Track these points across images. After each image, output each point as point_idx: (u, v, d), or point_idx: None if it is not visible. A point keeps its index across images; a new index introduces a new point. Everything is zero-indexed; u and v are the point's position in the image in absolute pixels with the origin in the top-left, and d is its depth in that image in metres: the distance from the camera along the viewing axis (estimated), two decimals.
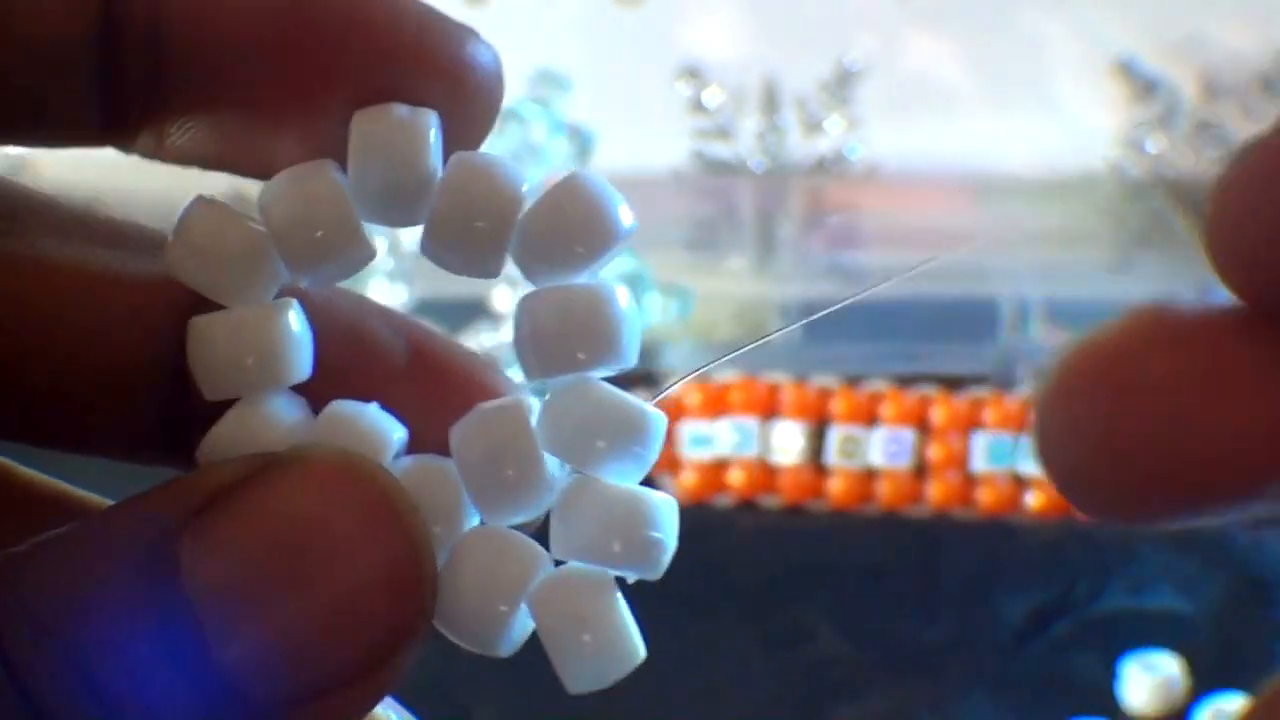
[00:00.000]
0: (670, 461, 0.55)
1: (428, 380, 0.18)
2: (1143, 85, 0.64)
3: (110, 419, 0.18)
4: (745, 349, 0.20)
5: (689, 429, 0.55)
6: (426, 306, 0.56)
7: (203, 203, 0.17)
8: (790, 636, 0.49)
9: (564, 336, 0.17)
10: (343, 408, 0.17)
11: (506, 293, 0.55)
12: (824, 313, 0.20)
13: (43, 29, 0.17)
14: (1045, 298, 0.58)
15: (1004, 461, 0.54)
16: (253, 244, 0.17)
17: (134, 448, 0.18)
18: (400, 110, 0.17)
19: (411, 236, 0.55)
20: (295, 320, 0.17)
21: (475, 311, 0.55)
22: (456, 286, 0.56)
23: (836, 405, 0.55)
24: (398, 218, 0.17)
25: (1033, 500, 0.54)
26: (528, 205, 0.17)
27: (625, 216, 0.17)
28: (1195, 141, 0.64)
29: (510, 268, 0.18)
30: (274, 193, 0.17)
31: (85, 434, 0.18)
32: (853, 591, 0.51)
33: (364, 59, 0.17)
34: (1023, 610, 0.50)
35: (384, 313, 0.19)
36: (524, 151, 0.54)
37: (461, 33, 0.17)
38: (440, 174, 0.17)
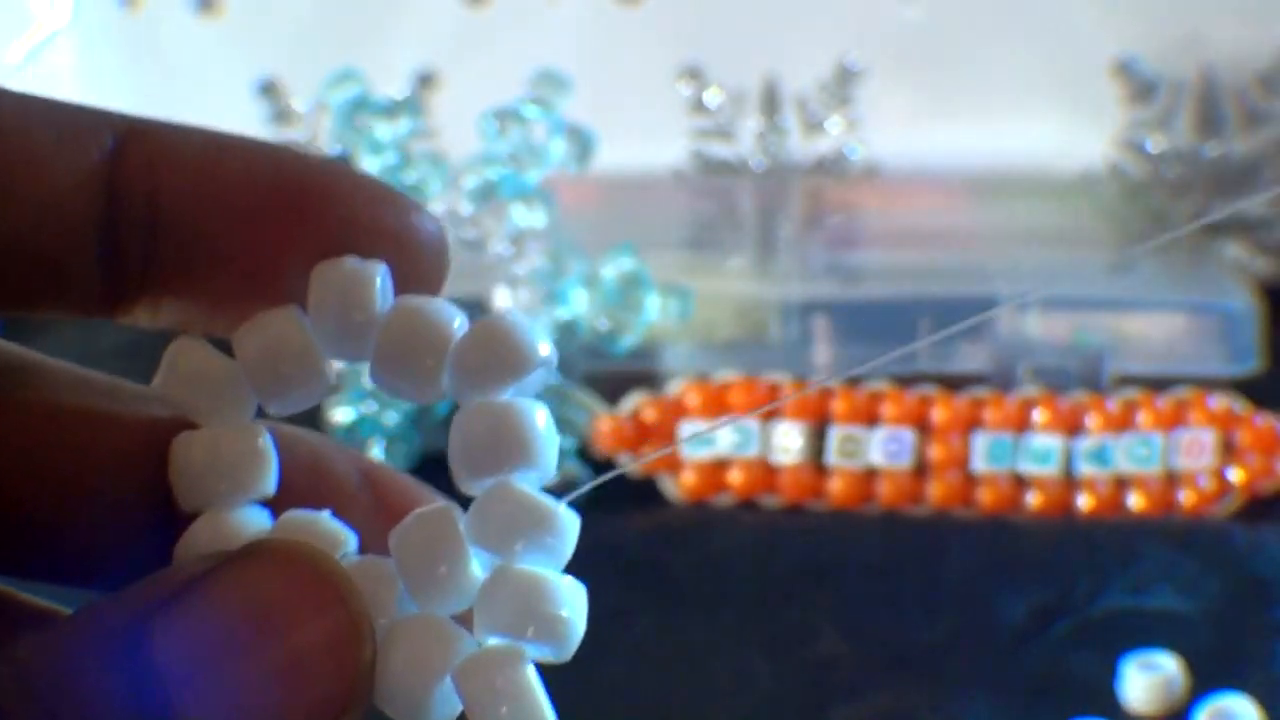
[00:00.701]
0: (671, 461, 0.55)
1: (377, 501, 0.22)
2: (1143, 85, 0.64)
3: (107, 546, 0.21)
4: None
5: (690, 429, 0.55)
6: None
7: (187, 340, 0.20)
8: (790, 636, 0.49)
9: (487, 448, 0.20)
10: (298, 513, 0.20)
11: (507, 293, 0.55)
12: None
13: (56, 200, 0.20)
14: (1045, 297, 0.58)
15: (1004, 461, 0.54)
16: (228, 374, 0.20)
17: (125, 573, 0.20)
18: (352, 262, 0.20)
19: None
20: (263, 442, 0.20)
21: (475, 311, 0.55)
22: (456, 286, 0.56)
23: (836, 405, 0.55)
24: (353, 353, 0.20)
25: (1033, 500, 0.54)
26: (458, 340, 0.20)
27: (543, 349, 0.20)
28: (1195, 141, 0.64)
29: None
30: (247, 333, 0.20)
31: (83, 561, 0.21)
32: (853, 591, 0.51)
33: (328, 227, 0.20)
34: (1023, 610, 0.50)
35: (341, 448, 0.22)
36: (524, 151, 0.54)
37: (408, 205, 0.20)
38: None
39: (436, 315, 0.20)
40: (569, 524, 0.20)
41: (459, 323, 0.20)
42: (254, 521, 0.20)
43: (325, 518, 0.20)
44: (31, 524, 0.21)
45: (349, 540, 0.20)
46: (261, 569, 0.19)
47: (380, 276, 0.20)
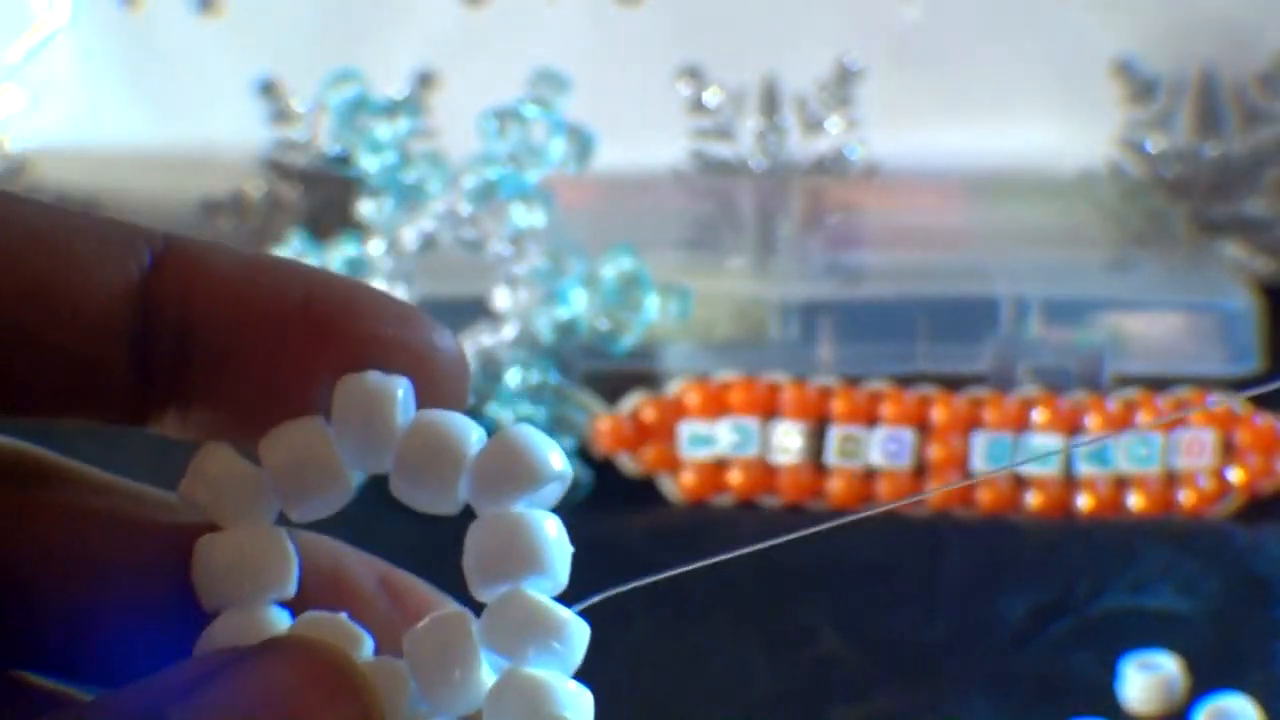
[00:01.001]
0: (670, 461, 0.55)
1: (393, 605, 0.23)
2: (1142, 85, 0.64)
3: (128, 645, 0.22)
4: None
5: (689, 429, 0.55)
6: (426, 306, 0.56)
7: (214, 445, 0.21)
8: (790, 636, 0.49)
9: (501, 557, 0.21)
10: (317, 614, 0.21)
11: (506, 293, 0.55)
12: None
13: (93, 310, 0.21)
14: (1044, 297, 0.58)
15: (1004, 461, 0.54)
16: (252, 480, 0.21)
17: (146, 671, 0.21)
18: (376, 376, 0.21)
19: (411, 236, 0.55)
20: (285, 544, 0.21)
21: (475, 311, 0.56)
22: (456, 286, 0.56)
23: (836, 405, 0.55)
24: (374, 464, 0.21)
25: (1032, 500, 0.54)
26: (475, 453, 0.21)
27: (557, 462, 0.21)
28: (1195, 141, 0.64)
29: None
30: (272, 441, 0.21)
31: (104, 659, 0.22)
32: (853, 591, 0.51)
33: (353, 343, 0.21)
34: (1023, 610, 0.50)
35: (359, 553, 0.23)
36: (524, 151, 0.54)
37: (430, 324, 0.22)
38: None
39: (455, 430, 0.21)
40: (579, 632, 0.21)
41: (477, 437, 0.21)
42: (274, 620, 0.21)
43: (343, 618, 0.21)
44: (55, 623, 0.21)
45: (365, 641, 0.21)
46: (280, 662, 0.20)
47: (402, 390, 0.21)
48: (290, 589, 0.21)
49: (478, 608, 0.21)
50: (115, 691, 0.20)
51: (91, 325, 0.21)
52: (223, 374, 0.21)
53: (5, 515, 0.22)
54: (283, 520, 0.22)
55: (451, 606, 0.22)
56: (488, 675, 0.21)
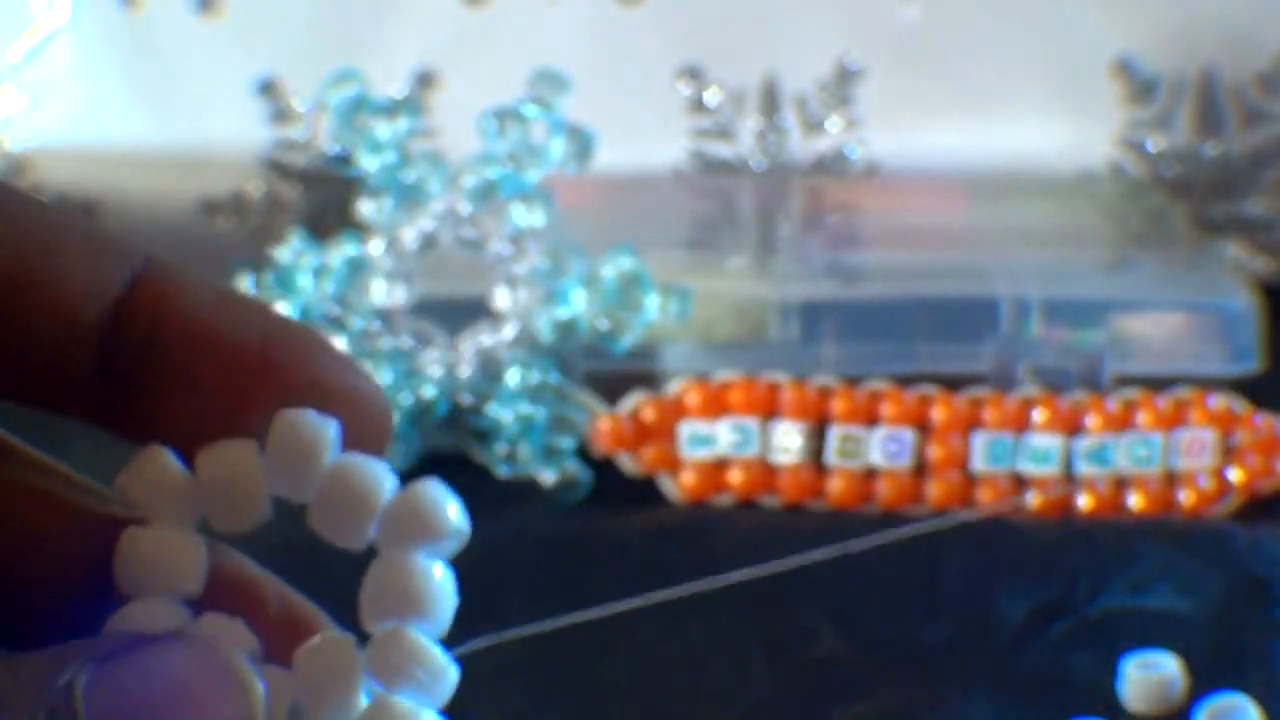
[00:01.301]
0: (670, 461, 0.55)
1: (286, 622, 0.25)
2: (1142, 85, 0.64)
3: (42, 618, 0.24)
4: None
5: (689, 428, 0.55)
6: (427, 305, 0.56)
7: (156, 448, 0.24)
8: (790, 636, 0.49)
9: (390, 597, 0.23)
10: (218, 616, 0.23)
11: (506, 293, 0.55)
12: None
13: (73, 312, 0.23)
14: (1045, 297, 0.58)
15: (1004, 461, 0.54)
16: (184, 486, 0.23)
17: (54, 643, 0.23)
18: (310, 415, 0.23)
19: (411, 236, 0.55)
20: (199, 548, 0.24)
21: (475, 311, 0.56)
22: (456, 286, 0.56)
23: (836, 405, 0.55)
24: (297, 493, 0.24)
25: (1033, 500, 0.54)
26: (387, 500, 0.23)
27: (456, 518, 0.24)
28: (1195, 141, 0.64)
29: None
30: (208, 455, 0.23)
31: (16, 628, 0.23)
32: (853, 591, 0.51)
33: (296, 387, 0.24)
34: (1023, 610, 0.50)
35: (265, 572, 0.26)
36: (524, 151, 0.54)
37: (361, 376, 0.24)
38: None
39: (371, 476, 0.23)
40: (450, 672, 0.23)
41: (390, 485, 0.24)
42: (180, 615, 0.23)
43: (240, 624, 0.23)
44: None
45: (257, 647, 0.23)
46: (180, 652, 0.22)
47: (331, 431, 0.23)
48: (198, 589, 0.24)
49: (366, 638, 0.23)
50: (21, 654, 0.21)
51: (69, 321, 0.23)
52: (176, 392, 0.24)
53: None
54: (204, 528, 0.24)
55: (336, 631, 0.24)
56: (364, 698, 0.23)
